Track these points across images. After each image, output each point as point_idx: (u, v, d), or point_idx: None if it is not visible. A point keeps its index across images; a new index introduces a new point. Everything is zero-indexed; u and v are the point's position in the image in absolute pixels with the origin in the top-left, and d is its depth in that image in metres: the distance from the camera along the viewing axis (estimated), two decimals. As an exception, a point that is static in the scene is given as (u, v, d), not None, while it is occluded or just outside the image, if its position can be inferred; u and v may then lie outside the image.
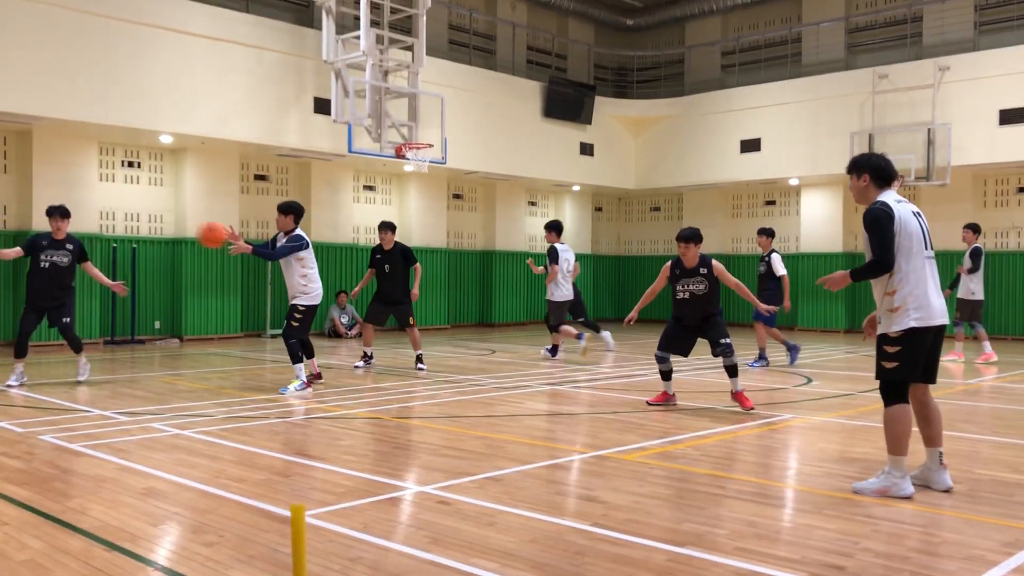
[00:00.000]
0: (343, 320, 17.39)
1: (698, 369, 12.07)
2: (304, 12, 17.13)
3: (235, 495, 4.99)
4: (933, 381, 5.27)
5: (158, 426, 7.21)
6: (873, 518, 4.64)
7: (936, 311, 5.10)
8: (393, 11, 16.54)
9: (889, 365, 5.10)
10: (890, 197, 5.24)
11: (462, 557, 3.92)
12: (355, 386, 9.93)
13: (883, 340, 5.14)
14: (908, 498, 5.01)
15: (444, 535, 4.25)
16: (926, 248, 5.17)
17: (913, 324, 5.03)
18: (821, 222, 20.53)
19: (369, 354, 11.93)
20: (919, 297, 5.06)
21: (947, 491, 5.20)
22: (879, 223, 5.09)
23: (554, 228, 13.37)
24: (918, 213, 5.27)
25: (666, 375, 8.63)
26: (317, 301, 9.59)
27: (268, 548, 4.05)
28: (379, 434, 7.17)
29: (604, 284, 24.19)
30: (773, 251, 12.66)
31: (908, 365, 5.07)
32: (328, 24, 15.61)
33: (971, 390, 10.06)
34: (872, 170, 5.35)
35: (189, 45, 14.50)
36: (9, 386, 9.45)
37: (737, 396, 8.22)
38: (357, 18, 15.76)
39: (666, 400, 8.65)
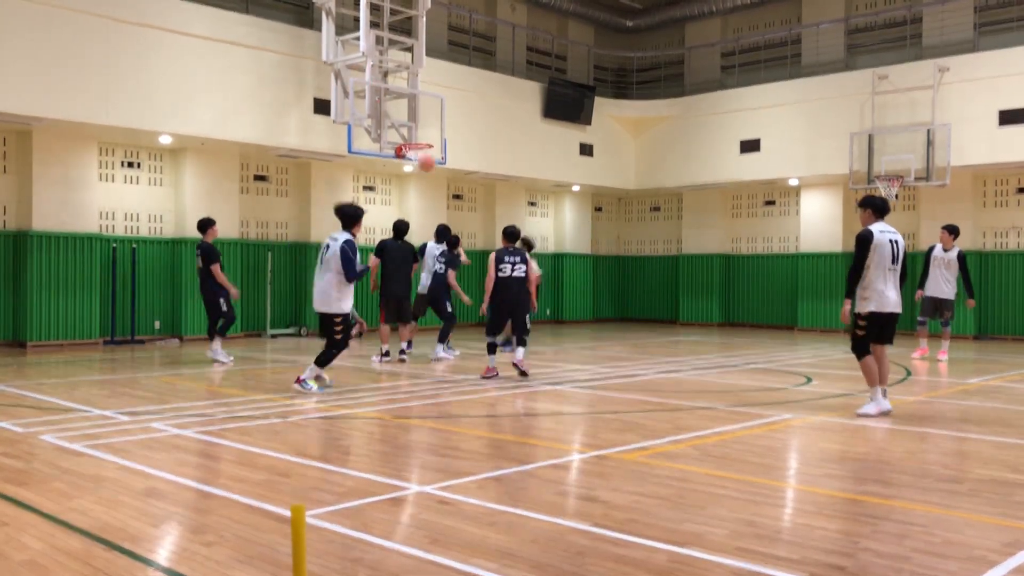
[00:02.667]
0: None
1: (698, 369, 12.07)
2: (304, 13, 17.13)
3: (235, 495, 4.99)
4: (890, 343, 8.15)
5: (158, 426, 7.21)
6: (873, 518, 4.64)
7: (888, 303, 7.90)
8: (393, 12, 16.53)
9: (860, 333, 8.01)
10: (878, 226, 8.00)
11: (462, 557, 3.92)
12: (355, 386, 9.93)
13: (858, 318, 7.99)
14: (887, 413, 7.89)
15: (444, 535, 4.25)
16: (892, 263, 7.91)
17: (873, 309, 7.89)
18: (821, 222, 20.53)
19: (386, 351, 12.48)
20: (879, 293, 7.87)
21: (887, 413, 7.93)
22: (862, 240, 7.93)
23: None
24: (895, 241, 7.95)
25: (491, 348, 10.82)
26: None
27: (268, 548, 4.05)
28: (379, 434, 7.17)
29: (604, 284, 24.20)
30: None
31: (870, 334, 7.99)
32: (328, 25, 15.61)
33: (971, 390, 10.06)
34: (874, 207, 8.09)
35: (189, 46, 14.50)
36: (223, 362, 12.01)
37: (518, 363, 10.62)
38: (357, 19, 15.77)
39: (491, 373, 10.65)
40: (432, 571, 3.77)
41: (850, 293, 7.97)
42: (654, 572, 3.76)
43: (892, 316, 7.97)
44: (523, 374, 10.66)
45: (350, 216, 9.40)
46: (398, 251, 12.40)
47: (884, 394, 8.01)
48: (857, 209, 8.32)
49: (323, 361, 9.28)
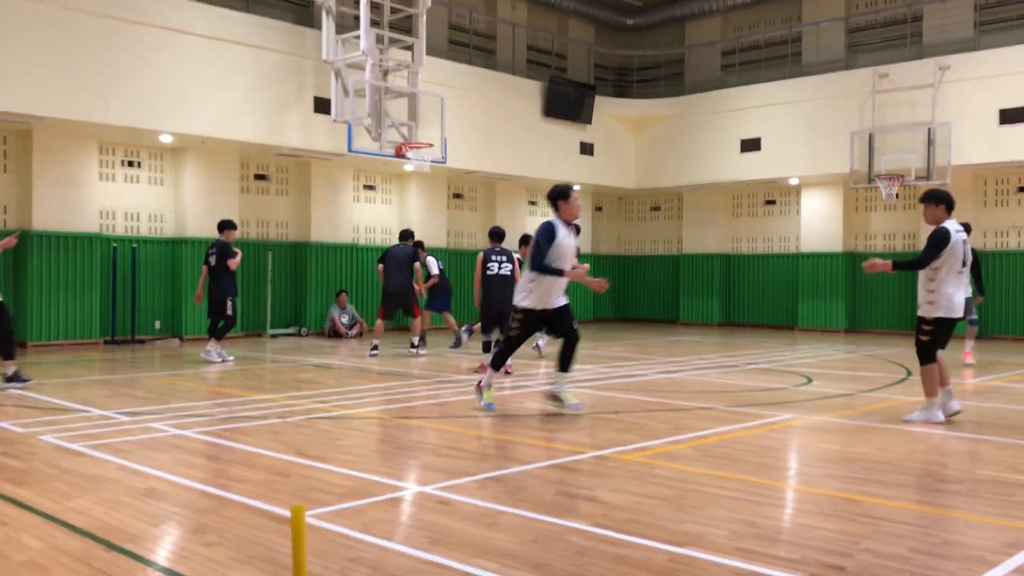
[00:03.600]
0: (343, 320, 17.39)
1: (698, 369, 12.07)
2: (304, 12, 17.13)
3: (235, 495, 4.99)
4: (944, 348, 7.70)
5: (158, 426, 7.21)
6: (873, 518, 4.63)
7: (957, 308, 7.51)
8: (393, 11, 16.53)
9: (925, 338, 7.56)
10: (952, 225, 7.49)
11: (462, 557, 3.92)
12: (355, 386, 9.93)
13: (922, 322, 7.58)
14: (940, 423, 7.43)
15: (444, 535, 4.25)
16: (963, 266, 7.49)
17: (942, 315, 7.48)
18: (821, 221, 20.52)
19: (374, 346, 13.48)
20: (948, 297, 7.46)
21: (955, 414, 7.69)
22: (941, 240, 7.38)
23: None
24: (965, 241, 7.51)
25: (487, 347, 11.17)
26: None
27: (268, 548, 4.05)
28: (379, 434, 7.17)
29: (604, 284, 24.17)
30: (429, 255, 15.18)
31: (937, 339, 7.55)
32: (328, 24, 15.61)
33: (972, 390, 10.06)
34: (947, 203, 7.58)
35: (189, 45, 14.50)
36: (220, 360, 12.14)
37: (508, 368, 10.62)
38: (357, 18, 15.76)
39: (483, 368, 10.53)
40: (432, 571, 3.77)
41: (898, 267, 7.56)
42: (654, 572, 3.76)
43: (955, 321, 7.59)
44: (507, 374, 10.84)
45: (550, 196, 8.08)
46: (399, 251, 13.36)
47: (950, 395, 7.69)
48: (923, 204, 7.68)
49: (495, 364, 8.25)
